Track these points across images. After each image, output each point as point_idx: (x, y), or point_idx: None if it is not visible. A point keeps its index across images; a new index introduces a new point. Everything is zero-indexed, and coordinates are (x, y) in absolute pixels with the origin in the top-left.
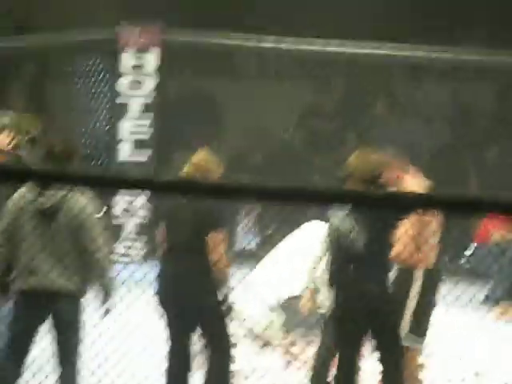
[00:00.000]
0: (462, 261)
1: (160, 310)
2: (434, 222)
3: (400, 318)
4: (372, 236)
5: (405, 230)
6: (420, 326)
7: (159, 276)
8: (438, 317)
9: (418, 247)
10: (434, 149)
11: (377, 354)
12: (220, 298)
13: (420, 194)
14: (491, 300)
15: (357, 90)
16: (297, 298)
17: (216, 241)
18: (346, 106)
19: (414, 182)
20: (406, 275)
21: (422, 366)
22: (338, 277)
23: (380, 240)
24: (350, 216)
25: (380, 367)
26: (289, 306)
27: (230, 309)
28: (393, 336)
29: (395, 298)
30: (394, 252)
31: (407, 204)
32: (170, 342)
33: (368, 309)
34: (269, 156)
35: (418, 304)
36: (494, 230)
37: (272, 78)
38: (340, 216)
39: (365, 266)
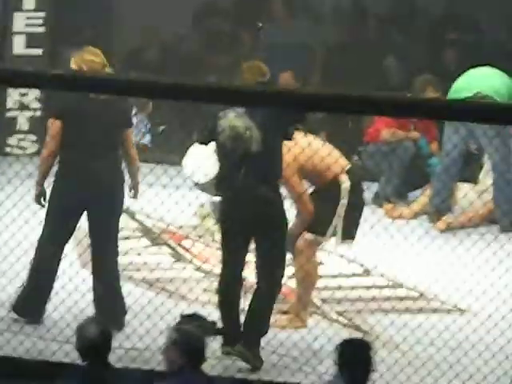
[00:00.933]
0: (354, 159)
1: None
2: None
3: (286, 226)
4: (266, 136)
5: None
6: (350, 230)
7: (62, 170)
8: None
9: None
10: (329, 48)
11: (257, 258)
12: (124, 193)
13: (313, 93)
14: (381, 198)
15: None
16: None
17: (130, 137)
18: (241, 6)
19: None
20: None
21: (319, 262)
22: (228, 179)
23: (275, 140)
24: (245, 115)
25: (258, 271)
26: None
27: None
28: (276, 241)
29: (282, 203)
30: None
31: (300, 101)
32: (48, 230)
33: (257, 211)
34: (163, 54)
35: (347, 208)
36: (383, 129)
37: None
38: (234, 115)
39: (258, 168)
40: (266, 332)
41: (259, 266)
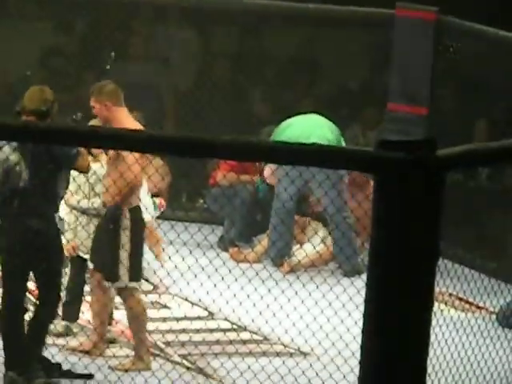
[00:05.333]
0: (199, 203)
1: None
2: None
3: (61, 256)
4: (35, 171)
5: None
6: (136, 268)
7: None
8: (175, 258)
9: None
10: (177, 91)
11: (38, 288)
12: None
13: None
14: (225, 241)
15: (99, 31)
16: None
17: None
18: (87, 47)
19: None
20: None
21: (144, 303)
22: (2, 211)
23: (44, 175)
24: (18, 149)
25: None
26: None
27: None
28: (52, 274)
29: (58, 235)
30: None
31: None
32: None
33: (31, 245)
34: (7, 95)
35: (131, 246)
36: (227, 172)
37: (13, 17)
38: (7, 149)
39: (29, 202)
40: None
41: (39, 294)
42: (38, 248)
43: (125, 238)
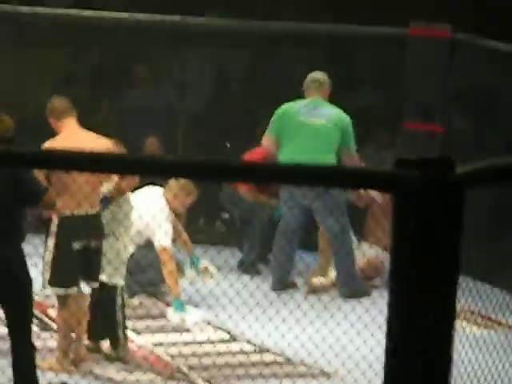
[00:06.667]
0: (217, 224)
1: None
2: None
3: (28, 282)
4: (4, 198)
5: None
6: (58, 274)
7: None
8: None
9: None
10: (190, 114)
11: (6, 316)
12: None
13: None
14: (246, 264)
15: (114, 56)
16: None
17: None
18: (102, 72)
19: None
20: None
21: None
22: None
23: (12, 202)
24: None
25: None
26: None
27: None
28: (22, 299)
29: (24, 262)
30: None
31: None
32: None
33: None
34: (23, 122)
35: (55, 252)
36: (245, 195)
37: (28, 44)
38: None
39: None
40: None
41: (10, 325)
42: (6, 276)
43: (50, 243)
